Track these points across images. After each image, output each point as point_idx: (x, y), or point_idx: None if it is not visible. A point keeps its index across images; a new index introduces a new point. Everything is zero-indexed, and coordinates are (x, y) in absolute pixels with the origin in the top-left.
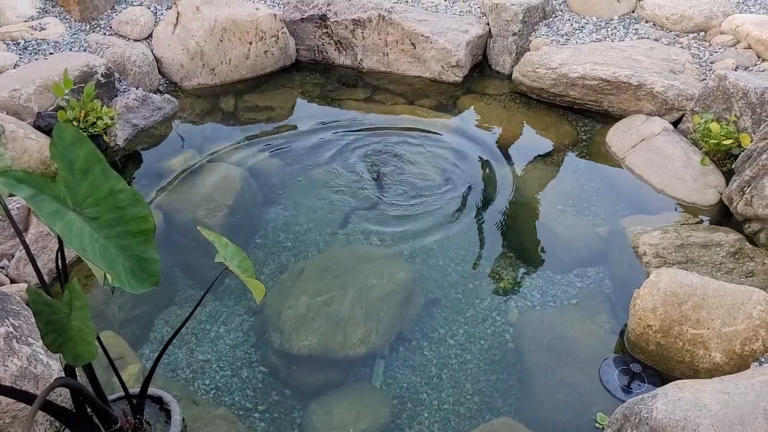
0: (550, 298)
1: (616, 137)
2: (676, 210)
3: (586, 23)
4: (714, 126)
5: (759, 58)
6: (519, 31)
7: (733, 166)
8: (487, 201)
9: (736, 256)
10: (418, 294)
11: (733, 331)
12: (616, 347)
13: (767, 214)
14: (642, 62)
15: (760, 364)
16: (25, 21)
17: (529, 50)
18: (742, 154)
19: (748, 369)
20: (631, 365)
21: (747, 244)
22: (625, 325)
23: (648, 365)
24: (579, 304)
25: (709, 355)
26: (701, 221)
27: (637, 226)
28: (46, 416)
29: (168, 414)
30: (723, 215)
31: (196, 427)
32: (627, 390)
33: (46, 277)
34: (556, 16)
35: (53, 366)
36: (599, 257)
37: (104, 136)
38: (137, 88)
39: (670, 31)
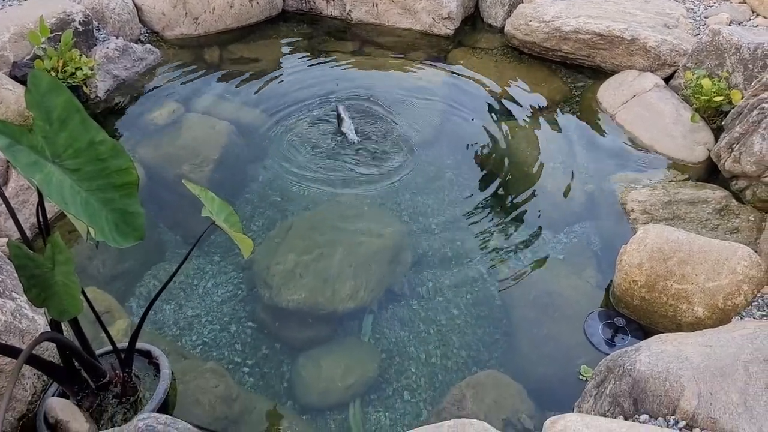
0: (537, 253)
1: (608, 93)
2: (664, 167)
3: None
4: (705, 82)
5: (753, 12)
6: None
7: (723, 123)
8: (476, 157)
9: (722, 213)
10: (406, 250)
11: (716, 286)
12: (602, 302)
13: (754, 171)
14: (636, 16)
15: (741, 318)
16: None
17: (523, 3)
18: (732, 110)
19: (730, 323)
20: (615, 319)
21: (733, 201)
22: (611, 280)
23: (632, 319)
24: (566, 260)
25: (692, 310)
26: (689, 178)
27: (626, 183)
28: (33, 370)
29: (157, 368)
30: (711, 172)
31: (185, 380)
32: (611, 343)
33: (28, 232)
34: None
35: (39, 320)
36: (587, 214)
37: (84, 88)
38: (117, 38)
39: None
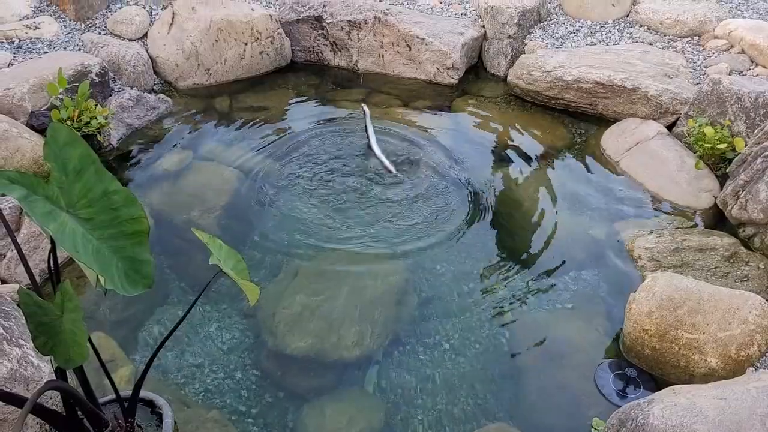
0: (545, 301)
1: (611, 140)
2: (670, 214)
3: (581, 27)
4: (708, 130)
5: (752, 62)
6: (514, 34)
7: (727, 170)
8: (481, 203)
9: (731, 260)
10: (411, 296)
11: (728, 335)
12: (612, 351)
13: (762, 218)
14: (636, 66)
15: (755, 369)
16: (20, 20)
17: (524, 53)
18: (736, 158)
19: (744, 374)
20: (626, 369)
21: (741, 248)
22: (621, 329)
23: (643, 370)
24: (574, 308)
25: (705, 360)
26: (696, 225)
27: (632, 230)
28: (36, 419)
29: (159, 417)
30: (717, 219)
31: (187, 429)
32: (622, 395)
33: (37, 278)
34: (551, 20)
35: (44, 368)
36: (594, 260)
37: (98, 136)
38: (132, 88)
39: (665, 35)
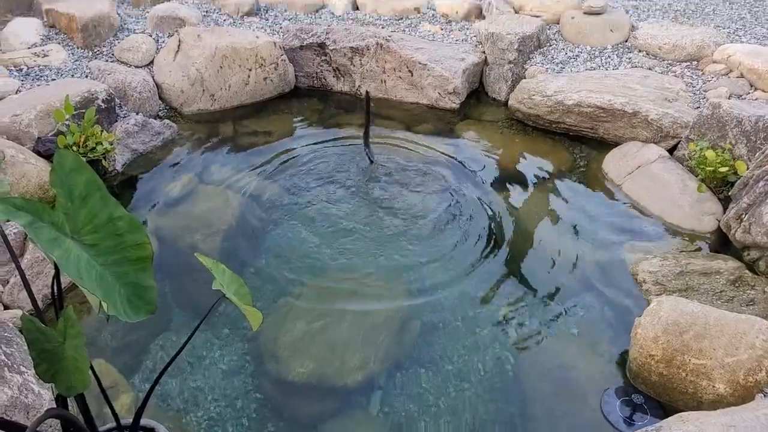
0: (549, 326)
1: (613, 164)
2: (674, 237)
3: (581, 52)
4: (709, 153)
5: (751, 86)
6: (514, 59)
7: (729, 193)
8: (484, 228)
9: (736, 284)
10: (414, 321)
11: (736, 361)
12: (618, 377)
13: (766, 241)
14: (636, 90)
15: (764, 395)
16: (28, 48)
17: (525, 78)
18: (738, 181)
19: (753, 401)
20: (633, 396)
21: (746, 271)
22: (627, 354)
23: (650, 396)
24: (579, 333)
25: (713, 386)
26: (700, 248)
27: (636, 253)
28: None
29: None
30: (721, 242)
31: None
32: (629, 422)
33: (40, 303)
34: (550, 45)
35: (44, 395)
36: (599, 285)
37: (103, 161)
38: (137, 114)
39: (663, 60)
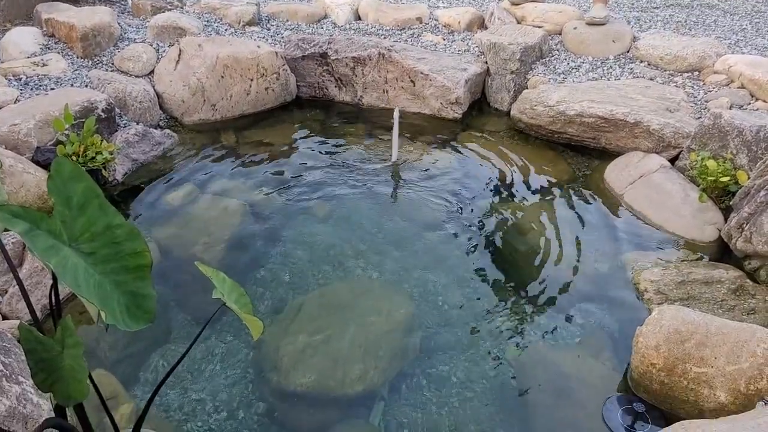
0: (551, 335)
1: (614, 174)
2: (675, 246)
3: (582, 62)
4: (711, 163)
5: (752, 97)
6: (516, 69)
7: (731, 202)
8: (487, 237)
9: (738, 293)
10: (417, 331)
11: (737, 369)
12: (620, 385)
13: (767, 251)
14: (638, 100)
15: (765, 403)
16: (28, 57)
17: (527, 88)
18: (739, 191)
19: (754, 409)
20: (634, 404)
21: (747, 281)
22: (628, 362)
23: (652, 405)
24: (581, 342)
25: (714, 395)
26: (701, 258)
27: (638, 263)
28: None
29: None
30: (723, 251)
31: None
32: (630, 430)
33: (39, 313)
34: (552, 56)
35: (43, 405)
36: (600, 294)
37: (103, 171)
38: (138, 123)
39: (665, 71)
